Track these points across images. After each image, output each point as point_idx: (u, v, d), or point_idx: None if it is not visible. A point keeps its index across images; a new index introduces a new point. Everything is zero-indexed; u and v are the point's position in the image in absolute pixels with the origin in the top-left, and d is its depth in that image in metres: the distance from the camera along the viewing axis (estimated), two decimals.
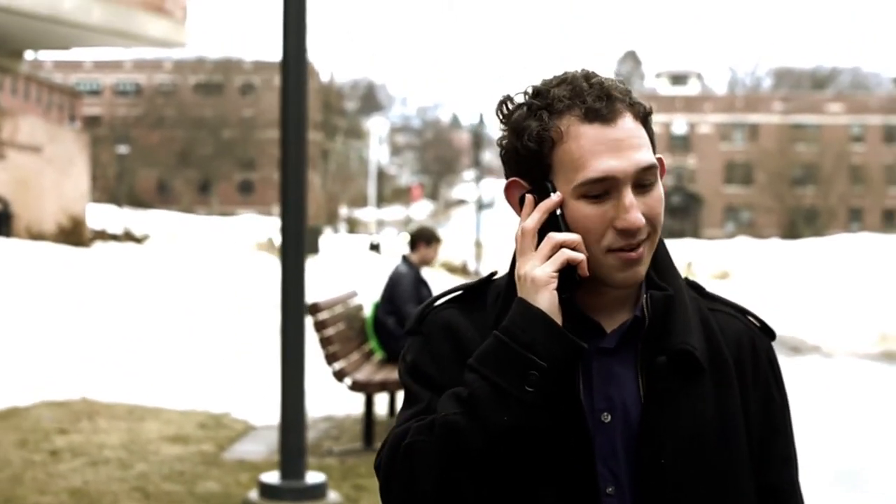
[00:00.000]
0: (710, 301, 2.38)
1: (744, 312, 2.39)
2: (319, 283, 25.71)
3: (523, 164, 2.22)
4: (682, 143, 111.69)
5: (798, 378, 15.85)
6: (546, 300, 2.11)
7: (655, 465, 2.17)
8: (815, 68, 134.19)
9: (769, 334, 2.39)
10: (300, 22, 8.50)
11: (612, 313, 2.26)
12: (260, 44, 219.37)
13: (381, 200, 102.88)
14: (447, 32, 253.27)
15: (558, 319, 2.11)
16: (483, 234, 52.67)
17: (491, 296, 2.31)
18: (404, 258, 11.59)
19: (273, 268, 35.58)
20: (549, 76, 2.27)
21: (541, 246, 2.15)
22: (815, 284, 33.85)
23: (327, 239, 59.96)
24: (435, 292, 11.53)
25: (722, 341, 2.28)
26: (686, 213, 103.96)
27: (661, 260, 2.31)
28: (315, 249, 51.92)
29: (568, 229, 2.17)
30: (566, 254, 2.13)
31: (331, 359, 10.24)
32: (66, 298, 20.39)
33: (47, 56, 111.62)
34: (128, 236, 45.19)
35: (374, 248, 57.03)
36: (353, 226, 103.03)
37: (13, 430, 10.70)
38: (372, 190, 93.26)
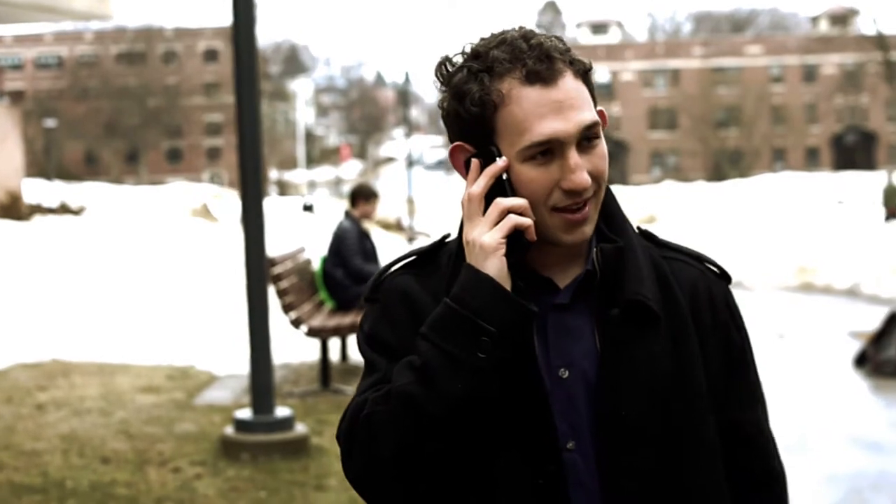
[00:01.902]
0: (664, 249, 2.39)
1: (699, 259, 2.41)
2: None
3: (466, 128, 2.23)
4: (605, 92, 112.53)
5: None
6: (495, 266, 2.13)
7: (616, 417, 2.19)
8: (733, 11, 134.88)
9: (726, 278, 2.42)
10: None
11: (564, 268, 2.28)
12: (179, 11, 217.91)
13: (311, 162, 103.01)
14: None
15: (507, 284, 2.14)
16: (414, 190, 53.33)
17: (443, 259, 2.33)
18: (346, 214, 12.52)
19: (209, 232, 36.38)
20: (485, 35, 2.27)
21: (488, 212, 2.16)
22: (740, 224, 34.97)
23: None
24: (376, 247, 12.48)
25: (677, 289, 2.30)
26: (612, 161, 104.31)
27: (611, 211, 2.34)
28: None
29: (514, 193, 2.18)
30: (513, 219, 2.14)
31: (287, 308, 11.19)
32: (17, 270, 21.13)
33: None
34: (64, 209, 45.47)
35: (308, 208, 57.71)
36: (284, 188, 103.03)
37: None
38: (301, 152, 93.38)
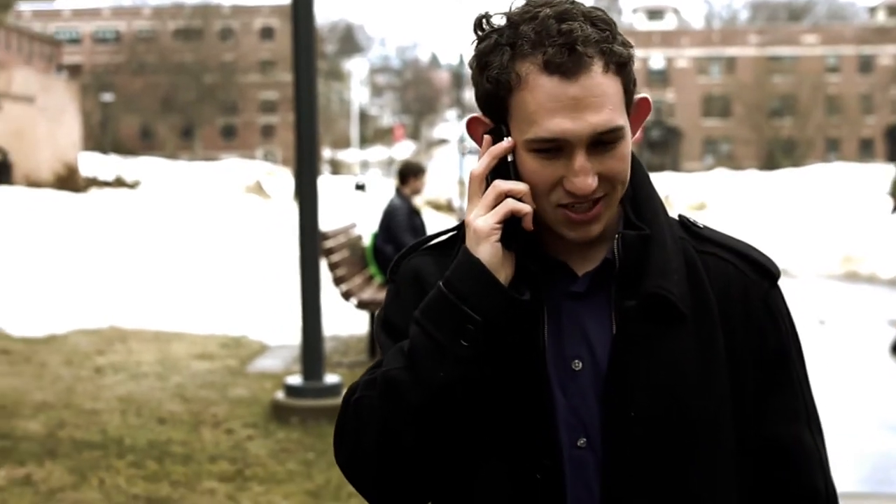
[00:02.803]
0: (702, 242, 2.20)
1: (741, 254, 2.20)
2: None
3: (483, 101, 2.11)
4: (660, 78, 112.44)
5: None
6: (487, 251, 2.02)
7: (624, 417, 2.06)
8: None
9: (769, 277, 2.19)
10: None
11: (585, 254, 2.13)
12: None
13: (364, 141, 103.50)
14: None
15: (501, 271, 2.03)
16: (466, 172, 53.51)
17: (460, 240, 2.16)
18: (397, 191, 12.85)
19: (263, 209, 36.85)
20: None
21: (486, 193, 2.05)
22: (789, 213, 35.09)
23: None
24: (426, 224, 12.83)
25: (708, 288, 2.13)
26: (665, 147, 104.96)
27: (642, 198, 2.18)
28: None
29: (518, 177, 2.06)
30: (510, 204, 2.03)
31: (338, 281, 11.56)
32: (74, 240, 21.66)
33: (26, 6, 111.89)
34: (119, 182, 46.11)
35: (360, 188, 58.12)
36: (337, 167, 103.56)
37: (56, 353, 12.01)
38: (354, 131, 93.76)
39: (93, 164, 51.69)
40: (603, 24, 2.02)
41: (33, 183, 37.24)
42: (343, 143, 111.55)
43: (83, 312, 14.41)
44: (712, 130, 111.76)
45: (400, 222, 12.44)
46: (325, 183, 59.28)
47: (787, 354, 2.17)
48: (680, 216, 2.25)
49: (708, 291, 2.12)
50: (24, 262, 18.56)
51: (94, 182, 43.61)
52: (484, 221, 2.02)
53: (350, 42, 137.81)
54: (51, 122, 41.69)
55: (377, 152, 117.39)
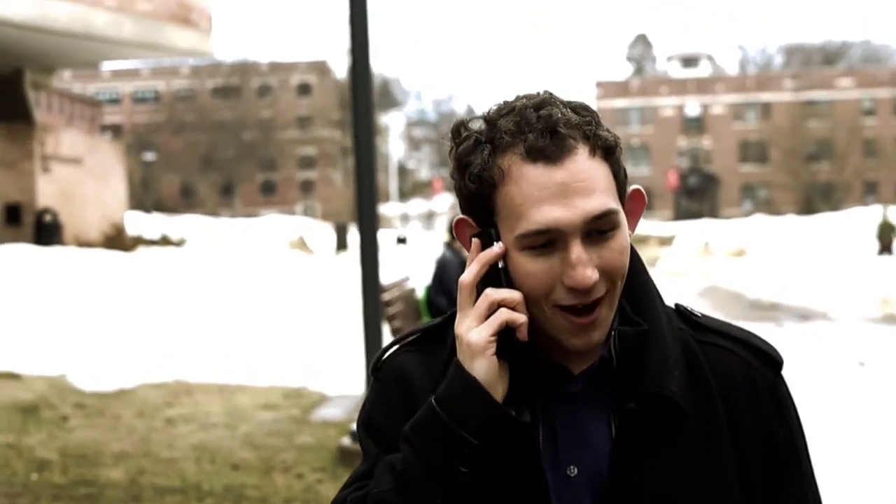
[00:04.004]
0: (702, 332, 2.10)
1: (744, 343, 2.10)
2: (352, 278, 27.80)
3: (468, 203, 2.02)
4: (695, 125, 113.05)
5: (806, 342, 17.83)
6: (483, 368, 1.91)
7: None
8: (824, 43, 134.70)
9: (774, 365, 2.10)
10: (363, 28, 9.99)
11: (580, 353, 2.01)
12: (273, 45, 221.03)
13: (403, 195, 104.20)
14: (456, 22, 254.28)
15: (498, 387, 1.92)
16: None
17: (450, 336, 2.04)
18: (447, 245, 13.37)
19: (307, 263, 37.49)
20: (516, 95, 2.05)
21: (477, 304, 1.94)
22: (829, 257, 35.47)
23: (354, 235, 61.52)
24: None
25: (711, 380, 2.03)
26: (703, 194, 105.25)
27: (639, 291, 2.07)
28: (344, 245, 53.73)
29: (511, 284, 1.96)
30: (504, 315, 1.92)
31: (395, 332, 12.09)
32: (130, 298, 22.32)
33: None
34: (165, 241, 46.90)
35: (402, 241, 58.76)
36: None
37: (128, 406, 12.57)
38: (393, 185, 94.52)
39: (137, 222, 52.64)
40: (584, 112, 1.97)
41: (83, 243, 38.07)
42: (383, 196, 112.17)
43: (148, 367, 14.97)
44: (749, 176, 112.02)
45: (452, 275, 12.94)
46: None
47: (796, 447, 2.08)
48: (677, 305, 2.15)
49: (710, 384, 2.03)
50: (84, 320, 19.19)
51: (140, 241, 44.39)
52: (478, 335, 1.92)
53: (386, 96, 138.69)
54: (98, 182, 42.57)
55: (416, 205, 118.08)
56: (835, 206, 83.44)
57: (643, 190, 2.09)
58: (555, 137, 1.91)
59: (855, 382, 14.11)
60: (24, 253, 29.92)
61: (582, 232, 1.90)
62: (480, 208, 1.98)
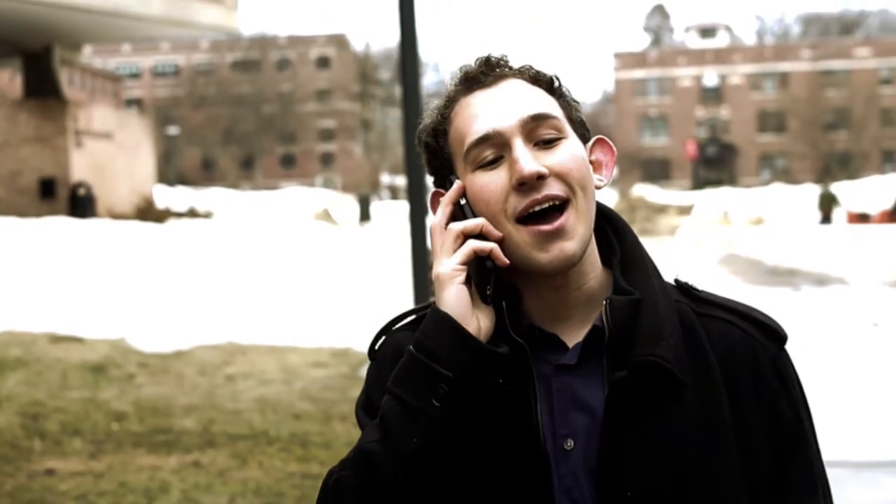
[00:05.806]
0: (703, 305, 2.07)
1: (746, 317, 2.06)
2: (380, 248, 28.71)
3: (432, 168, 2.07)
4: (713, 95, 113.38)
5: (823, 306, 18.68)
6: (451, 296, 1.89)
7: (620, 498, 1.91)
8: (842, 13, 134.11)
9: (778, 340, 2.05)
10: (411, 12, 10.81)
11: (574, 323, 2.01)
12: (292, 18, 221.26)
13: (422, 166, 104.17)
14: None
15: (472, 320, 1.90)
16: None
17: None
18: None
19: (334, 234, 38.29)
20: None
21: (443, 240, 1.94)
22: (846, 224, 36.11)
23: (377, 206, 62.24)
24: None
25: (710, 352, 1.99)
26: (722, 164, 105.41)
27: (631, 261, 2.05)
28: (367, 216, 54.40)
29: (475, 216, 1.96)
30: (472, 244, 1.91)
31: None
32: (170, 267, 23.21)
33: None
34: (192, 213, 47.63)
35: None
36: (395, 193, 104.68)
37: (188, 365, 13.45)
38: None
39: (164, 195, 53.40)
40: (530, 67, 2.04)
41: (116, 215, 38.84)
42: (400, 168, 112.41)
43: (201, 330, 15.84)
44: (768, 146, 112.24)
45: None
46: (387, 208, 60.53)
47: (801, 423, 2.03)
48: (676, 280, 2.12)
49: (709, 356, 1.98)
50: (134, 287, 20.06)
51: (169, 213, 45.11)
52: (444, 266, 1.91)
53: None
54: (127, 156, 43.34)
55: None
56: (852, 174, 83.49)
57: (610, 141, 2.11)
58: (488, 65, 2.01)
59: (869, 342, 14.87)
60: (61, 225, 30.73)
61: (523, 134, 1.94)
62: (440, 164, 2.04)
